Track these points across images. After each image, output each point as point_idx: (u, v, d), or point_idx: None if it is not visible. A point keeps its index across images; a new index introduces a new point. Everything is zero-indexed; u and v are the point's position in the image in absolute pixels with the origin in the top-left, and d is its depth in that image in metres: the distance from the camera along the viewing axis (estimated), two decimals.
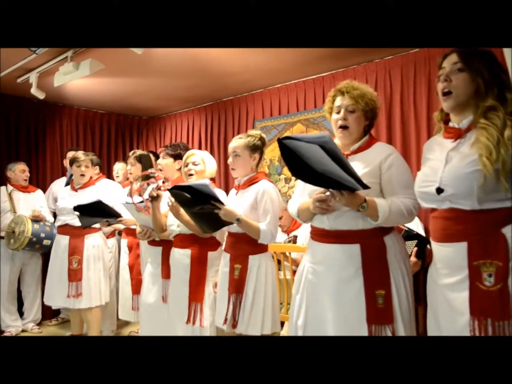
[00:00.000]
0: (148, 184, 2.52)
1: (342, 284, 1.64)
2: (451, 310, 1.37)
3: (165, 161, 2.76)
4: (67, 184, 3.71)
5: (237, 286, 2.15)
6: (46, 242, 3.64)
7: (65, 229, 3.33)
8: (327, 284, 1.67)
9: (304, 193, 1.82)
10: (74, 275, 3.21)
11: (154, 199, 2.50)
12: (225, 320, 2.16)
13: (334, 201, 1.60)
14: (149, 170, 2.65)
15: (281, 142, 1.46)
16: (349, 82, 1.76)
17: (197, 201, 2.04)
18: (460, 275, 1.35)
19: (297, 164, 1.51)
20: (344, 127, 1.71)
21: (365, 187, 1.47)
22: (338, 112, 1.73)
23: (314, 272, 1.73)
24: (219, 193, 2.19)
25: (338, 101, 1.74)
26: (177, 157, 2.76)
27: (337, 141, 1.80)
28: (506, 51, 1.23)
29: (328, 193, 1.60)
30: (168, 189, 2.14)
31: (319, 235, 1.75)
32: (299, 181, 1.90)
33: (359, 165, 1.66)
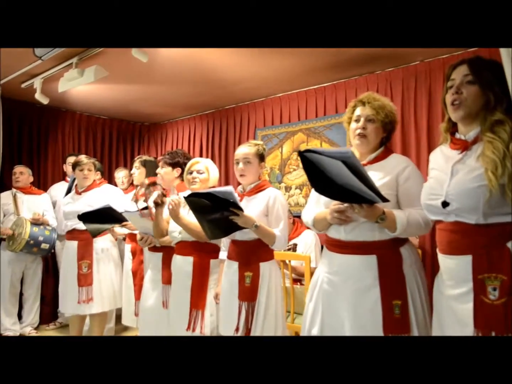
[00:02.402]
0: (154, 190, 2.54)
1: (359, 294, 1.65)
2: (456, 321, 1.38)
3: (163, 170, 2.76)
4: (69, 190, 3.70)
5: (249, 294, 2.13)
6: (44, 245, 3.64)
7: (73, 234, 3.32)
8: (344, 294, 1.68)
9: (319, 203, 1.83)
10: (84, 279, 3.19)
11: (159, 205, 2.52)
12: (237, 329, 2.12)
13: (352, 212, 1.61)
14: (156, 179, 2.67)
15: (302, 155, 1.46)
16: (371, 94, 1.78)
17: (215, 208, 2.02)
18: (464, 287, 1.36)
19: (318, 176, 1.52)
20: (362, 136, 1.73)
21: (385, 200, 1.48)
22: (357, 121, 1.75)
23: (330, 282, 1.74)
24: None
25: (358, 110, 1.77)
26: (175, 165, 2.76)
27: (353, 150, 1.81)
28: (503, 51, 1.24)
29: (346, 204, 1.61)
30: (185, 197, 2.12)
31: (334, 245, 1.75)
32: (314, 190, 1.89)
33: (376, 176, 1.66)
